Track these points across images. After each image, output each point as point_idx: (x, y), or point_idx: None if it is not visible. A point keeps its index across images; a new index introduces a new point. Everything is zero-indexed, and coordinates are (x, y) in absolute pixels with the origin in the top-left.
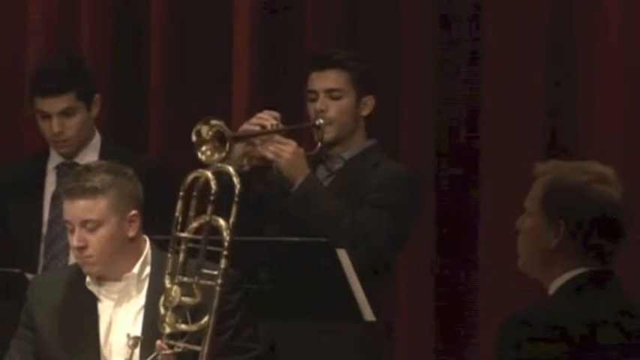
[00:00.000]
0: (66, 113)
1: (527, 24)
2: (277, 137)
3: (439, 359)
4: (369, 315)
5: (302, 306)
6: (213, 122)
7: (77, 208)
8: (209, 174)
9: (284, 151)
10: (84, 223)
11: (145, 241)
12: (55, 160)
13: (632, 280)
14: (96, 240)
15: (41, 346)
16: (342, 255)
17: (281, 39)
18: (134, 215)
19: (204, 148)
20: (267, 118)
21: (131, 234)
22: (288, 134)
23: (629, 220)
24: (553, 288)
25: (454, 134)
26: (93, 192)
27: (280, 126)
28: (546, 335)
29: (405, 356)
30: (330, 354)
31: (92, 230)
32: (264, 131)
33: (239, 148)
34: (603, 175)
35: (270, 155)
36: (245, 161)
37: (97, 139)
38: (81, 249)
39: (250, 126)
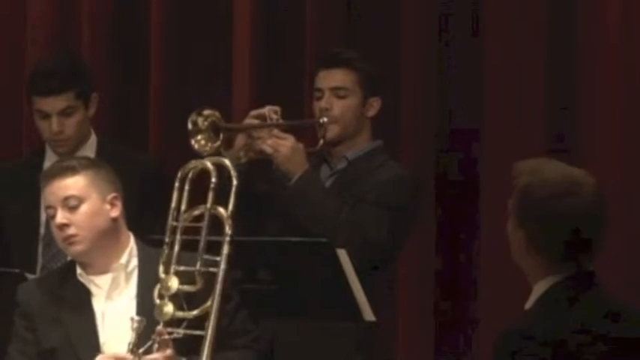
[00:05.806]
0: (65, 112)
1: (528, 24)
2: (276, 131)
3: (439, 359)
4: (369, 315)
5: (302, 306)
6: (207, 112)
7: (57, 187)
8: (208, 163)
9: (282, 145)
10: (65, 202)
11: (129, 236)
12: (51, 159)
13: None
14: (78, 217)
15: (42, 346)
16: (342, 255)
17: (281, 39)
18: (114, 197)
19: (198, 137)
20: (268, 111)
21: (113, 214)
22: (287, 131)
23: (604, 226)
24: (537, 290)
25: (454, 135)
26: (71, 170)
27: (280, 120)
28: (541, 348)
29: (405, 356)
30: (330, 354)
31: (74, 208)
32: (261, 124)
33: (240, 140)
34: (578, 185)
35: (267, 149)
36: (242, 154)
37: (92, 139)
38: (63, 227)
39: (250, 119)
